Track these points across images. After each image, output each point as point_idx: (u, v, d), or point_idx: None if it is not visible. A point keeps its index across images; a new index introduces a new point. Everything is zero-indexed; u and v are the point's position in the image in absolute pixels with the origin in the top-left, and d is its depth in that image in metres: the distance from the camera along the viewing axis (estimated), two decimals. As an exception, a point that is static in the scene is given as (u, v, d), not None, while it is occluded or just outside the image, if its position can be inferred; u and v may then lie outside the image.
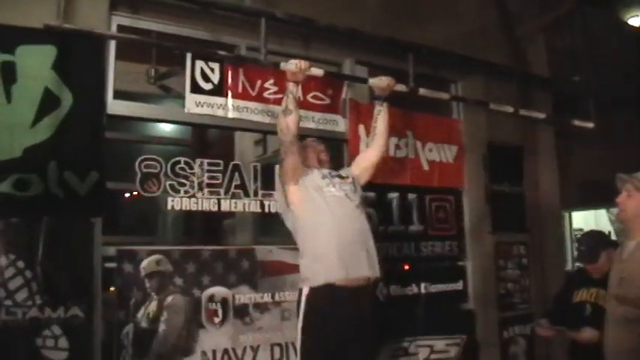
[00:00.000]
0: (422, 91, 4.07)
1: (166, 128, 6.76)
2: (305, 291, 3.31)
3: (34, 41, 3.40)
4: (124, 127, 5.28)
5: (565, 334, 3.94)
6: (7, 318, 3.24)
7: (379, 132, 3.83)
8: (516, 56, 5.64)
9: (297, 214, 3.47)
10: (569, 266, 8.94)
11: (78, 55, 3.53)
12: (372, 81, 3.92)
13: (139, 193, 3.74)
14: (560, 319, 3.96)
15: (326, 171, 3.59)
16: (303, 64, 3.47)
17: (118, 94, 3.81)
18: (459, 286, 5.08)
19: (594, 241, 4.05)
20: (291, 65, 3.45)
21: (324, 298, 3.26)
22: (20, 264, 3.30)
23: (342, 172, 3.68)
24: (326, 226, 3.35)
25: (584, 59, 5.89)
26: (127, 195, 5.12)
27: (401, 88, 3.91)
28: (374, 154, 3.85)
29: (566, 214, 9.33)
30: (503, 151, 5.40)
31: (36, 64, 3.42)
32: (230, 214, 4.51)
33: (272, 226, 4.93)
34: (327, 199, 3.41)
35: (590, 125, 4.77)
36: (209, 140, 6.57)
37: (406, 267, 4.85)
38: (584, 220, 9.38)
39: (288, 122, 3.39)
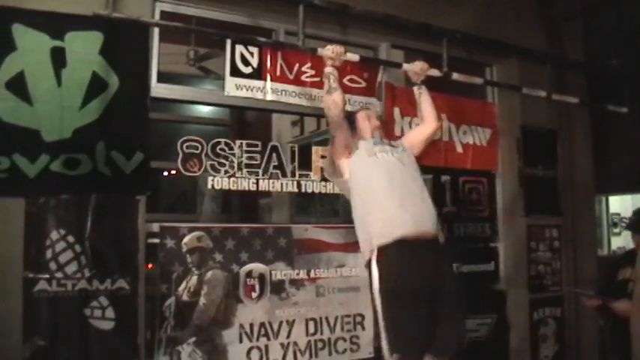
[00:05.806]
0: (455, 75, 4.07)
1: (205, 109, 6.95)
2: (373, 256, 3.16)
3: (82, 28, 3.51)
4: (166, 109, 5.44)
5: (604, 303, 4.06)
6: (58, 289, 3.40)
7: (426, 112, 3.80)
8: (552, 39, 5.57)
9: (352, 185, 3.42)
10: (604, 250, 8.92)
11: (124, 41, 3.64)
12: (406, 66, 3.95)
13: (180, 172, 3.84)
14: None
15: (378, 138, 3.56)
16: (339, 49, 3.52)
17: (162, 77, 3.91)
18: (490, 266, 5.12)
19: None
20: (328, 51, 3.51)
21: (395, 254, 3.13)
22: (70, 238, 3.47)
23: (393, 142, 3.66)
24: (381, 186, 3.29)
25: (623, 42, 5.81)
26: (170, 174, 5.26)
27: (434, 72, 3.92)
28: (426, 128, 3.80)
29: (603, 199, 9.23)
30: (537, 135, 5.38)
31: (84, 50, 3.53)
32: (268, 194, 4.63)
33: (308, 206, 5.08)
34: (380, 162, 3.38)
35: (624, 110, 4.74)
36: (248, 121, 6.70)
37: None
38: (622, 204, 9.27)
39: (334, 98, 3.40)
